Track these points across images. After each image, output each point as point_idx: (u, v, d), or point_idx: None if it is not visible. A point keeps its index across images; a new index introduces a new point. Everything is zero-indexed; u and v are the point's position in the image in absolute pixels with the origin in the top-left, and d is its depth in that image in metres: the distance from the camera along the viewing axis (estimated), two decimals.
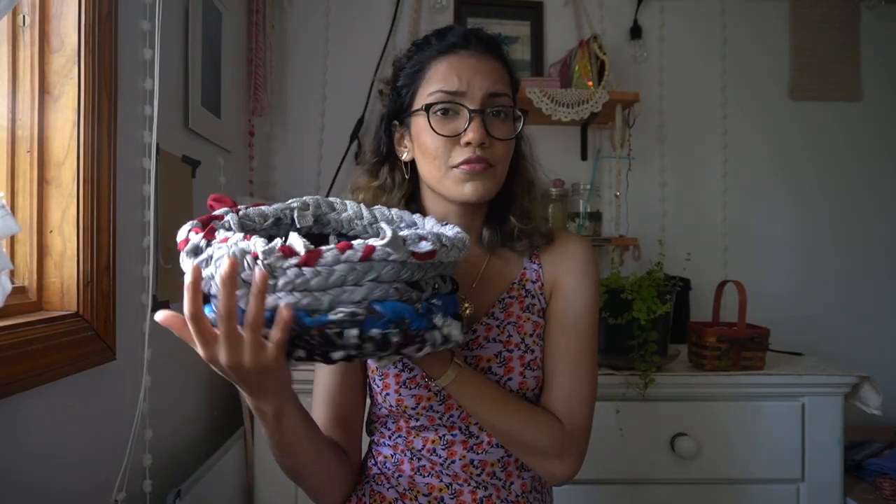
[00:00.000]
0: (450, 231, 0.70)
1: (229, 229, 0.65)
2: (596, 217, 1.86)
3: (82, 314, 0.92)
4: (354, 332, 0.56)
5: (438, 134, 0.81)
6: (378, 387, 0.86)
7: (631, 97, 1.79)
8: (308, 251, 0.55)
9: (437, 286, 0.64)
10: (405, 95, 0.86)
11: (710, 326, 1.54)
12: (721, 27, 2.07)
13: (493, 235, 0.90)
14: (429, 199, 0.89)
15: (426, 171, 0.85)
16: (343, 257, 0.55)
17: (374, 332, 0.57)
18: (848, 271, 2.06)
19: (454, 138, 0.81)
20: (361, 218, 0.78)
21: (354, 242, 0.56)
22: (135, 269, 1.08)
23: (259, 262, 0.55)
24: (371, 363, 0.87)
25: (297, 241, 0.56)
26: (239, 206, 0.71)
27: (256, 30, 1.78)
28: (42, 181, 0.90)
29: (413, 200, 0.91)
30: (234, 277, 0.56)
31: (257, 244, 0.56)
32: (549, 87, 1.77)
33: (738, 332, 1.48)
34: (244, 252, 0.56)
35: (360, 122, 1.93)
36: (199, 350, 0.60)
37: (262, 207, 0.73)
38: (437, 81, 0.82)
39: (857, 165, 2.08)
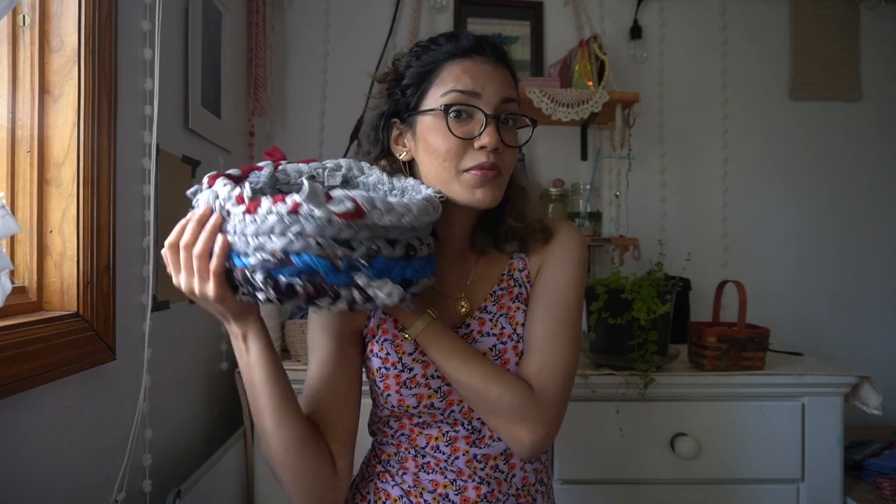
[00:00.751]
0: (419, 192, 0.75)
1: (255, 183, 0.74)
2: (596, 217, 1.86)
3: (82, 314, 0.92)
4: (261, 276, 0.62)
5: (453, 135, 0.79)
6: (379, 388, 0.86)
7: (631, 97, 1.79)
8: (251, 200, 0.62)
9: (376, 247, 0.65)
10: (411, 95, 0.85)
11: (710, 326, 1.54)
12: (721, 27, 2.07)
13: (485, 238, 0.91)
14: None
15: (432, 172, 0.83)
16: (275, 209, 0.60)
17: (282, 279, 0.61)
18: (848, 271, 2.06)
19: (467, 141, 0.80)
20: (384, 183, 0.83)
21: (287, 196, 0.61)
22: (135, 269, 1.08)
23: (219, 202, 0.64)
24: (373, 367, 0.87)
25: (247, 191, 0.63)
26: (281, 162, 0.78)
27: (256, 30, 1.78)
28: (42, 181, 0.90)
29: None
30: (205, 219, 0.66)
31: (221, 190, 0.65)
32: (549, 87, 1.77)
33: (738, 332, 1.48)
34: (215, 195, 0.65)
35: (360, 122, 1.92)
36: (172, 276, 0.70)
37: (300, 165, 0.80)
38: (451, 82, 0.81)
39: (856, 165, 2.08)
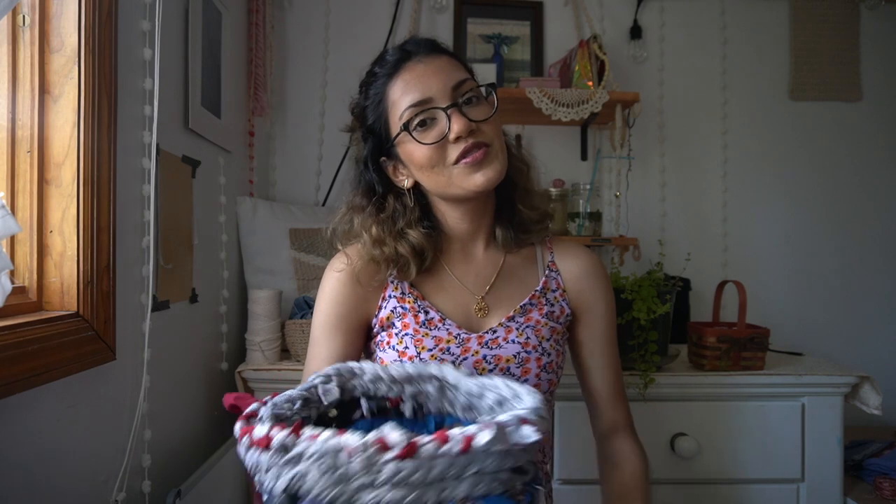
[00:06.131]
0: (524, 396, 0.64)
1: (270, 423, 0.61)
2: (596, 217, 1.86)
3: (82, 314, 0.91)
4: None
5: (426, 144, 0.82)
6: None
7: (631, 97, 1.79)
8: (406, 444, 0.52)
9: (535, 462, 0.60)
10: (379, 130, 0.87)
11: (710, 326, 1.53)
12: (721, 27, 2.07)
13: (507, 232, 0.93)
14: (442, 209, 0.92)
15: (431, 183, 0.86)
16: (442, 450, 0.52)
17: None
18: (848, 271, 2.06)
19: (442, 142, 0.82)
20: (381, 379, 0.73)
21: (451, 433, 0.53)
22: (135, 269, 1.08)
23: (355, 458, 0.52)
24: (386, 358, 0.88)
25: (391, 433, 0.53)
26: (265, 399, 0.66)
27: (256, 30, 1.78)
28: (42, 181, 0.90)
29: (426, 217, 0.92)
30: None
31: (350, 440, 0.52)
32: (549, 87, 1.77)
33: (738, 332, 1.48)
34: (338, 449, 0.53)
35: None
36: None
37: (288, 393, 0.69)
38: (401, 100, 0.83)
39: (856, 165, 2.08)
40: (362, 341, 0.93)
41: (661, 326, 1.44)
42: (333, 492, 0.53)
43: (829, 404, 1.46)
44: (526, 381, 0.87)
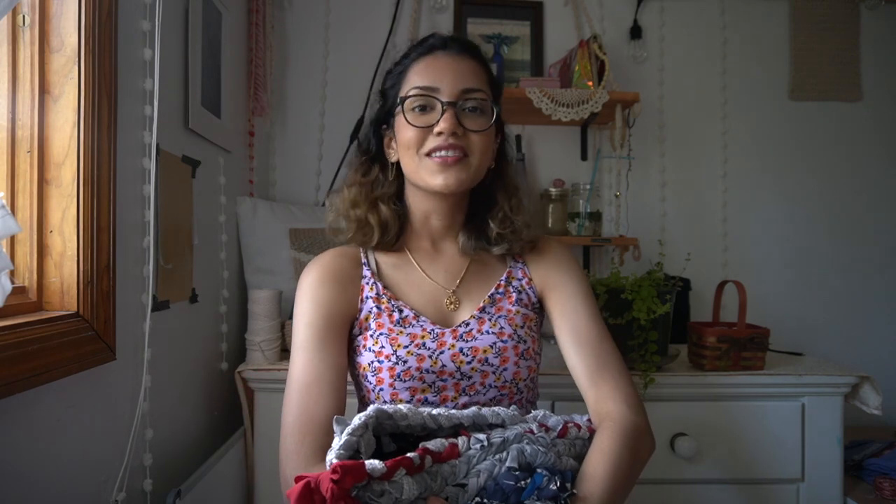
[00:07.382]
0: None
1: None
2: (596, 217, 1.86)
3: (82, 314, 0.91)
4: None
5: (412, 125, 0.86)
6: (371, 384, 0.87)
7: (631, 97, 1.79)
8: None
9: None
10: (390, 97, 0.92)
11: (710, 326, 1.53)
12: (721, 27, 2.07)
13: (468, 241, 0.95)
14: (412, 197, 0.95)
15: (405, 163, 0.90)
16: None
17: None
18: (848, 271, 2.06)
19: (428, 129, 0.85)
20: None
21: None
22: (135, 269, 1.08)
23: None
24: (363, 361, 0.88)
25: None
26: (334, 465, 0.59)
27: (256, 30, 1.78)
28: (42, 181, 0.90)
29: (400, 198, 0.96)
30: None
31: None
32: (549, 87, 1.77)
33: (738, 332, 1.48)
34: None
35: (360, 121, 1.92)
36: None
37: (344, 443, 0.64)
38: (414, 79, 0.87)
39: (856, 165, 2.08)
40: (346, 342, 0.91)
41: (661, 326, 1.44)
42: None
43: (829, 404, 1.46)
44: (505, 369, 0.87)
